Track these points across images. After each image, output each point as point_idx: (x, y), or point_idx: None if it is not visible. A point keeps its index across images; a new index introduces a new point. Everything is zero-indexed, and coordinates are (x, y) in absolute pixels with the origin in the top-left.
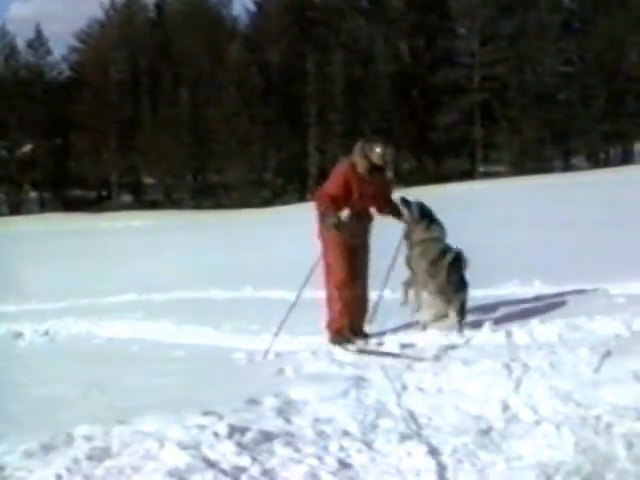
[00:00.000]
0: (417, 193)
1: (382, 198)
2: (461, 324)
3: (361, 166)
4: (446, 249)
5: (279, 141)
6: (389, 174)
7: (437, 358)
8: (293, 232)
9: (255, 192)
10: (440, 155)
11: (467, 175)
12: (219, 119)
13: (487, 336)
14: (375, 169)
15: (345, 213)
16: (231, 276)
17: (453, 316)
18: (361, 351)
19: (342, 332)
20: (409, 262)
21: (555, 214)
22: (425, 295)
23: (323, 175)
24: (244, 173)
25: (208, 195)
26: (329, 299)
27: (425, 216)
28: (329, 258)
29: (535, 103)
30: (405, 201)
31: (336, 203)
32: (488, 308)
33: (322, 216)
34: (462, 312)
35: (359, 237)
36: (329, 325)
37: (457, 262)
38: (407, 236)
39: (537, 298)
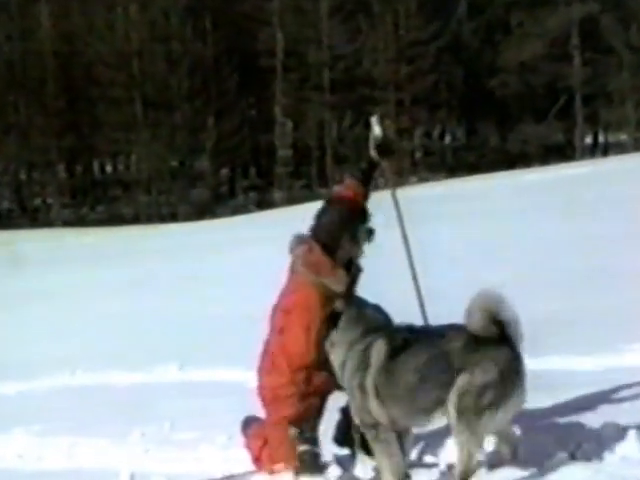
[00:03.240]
0: (465, 187)
1: None
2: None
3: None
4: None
5: (221, 101)
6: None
7: None
8: (248, 265)
9: (181, 193)
10: (508, 117)
11: (560, 152)
12: (110, 62)
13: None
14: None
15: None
16: (142, 347)
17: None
18: None
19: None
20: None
21: None
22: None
23: (302, 160)
24: (160, 159)
25: (96, 200)
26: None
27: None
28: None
29: None
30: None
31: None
32: (602, 398)
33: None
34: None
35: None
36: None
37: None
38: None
39: None
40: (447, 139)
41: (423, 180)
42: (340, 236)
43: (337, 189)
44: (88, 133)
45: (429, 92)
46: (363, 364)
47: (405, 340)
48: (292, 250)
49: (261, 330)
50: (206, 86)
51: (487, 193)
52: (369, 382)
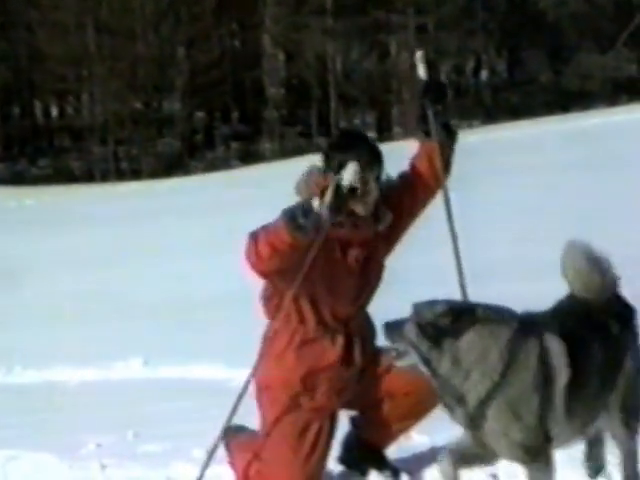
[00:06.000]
0: (507, 135)
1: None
2: None
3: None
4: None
5: (195, 27)
6: (385, 216)
7: None
8: (231, 234)
9: (145, 143)
10: (564, 45)
11: (631, 89)
12: None
13: None
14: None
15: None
16: (97, 336)
17: None
18: None
19: None
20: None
21: None
22: None
23: (297, 102)
24: (118, 100)
25: (38, 152)
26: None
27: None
28: (266, 416)
29: None
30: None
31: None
32: None
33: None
34: None
35: (347, 394)
36: None
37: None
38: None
39: None
40: (484, 74)
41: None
42: None
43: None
44: (27, 67)
45: (460, 14)
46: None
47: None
48: None
49: (248, 313)
50: (175, 8)
51: (536, 143)
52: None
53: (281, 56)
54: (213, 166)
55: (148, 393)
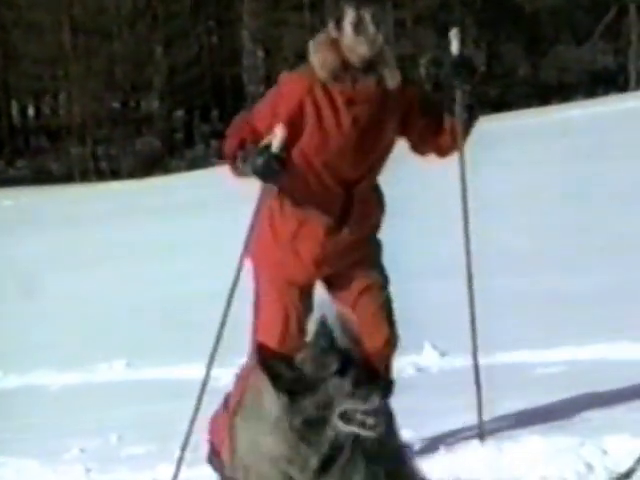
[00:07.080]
0: (485, 128)
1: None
2: None
3: (326, 67)
4: None
5: (172, 25)
6: (391, 73)
7: None
8: (211, 232)
9: (124, 142)
10: (541, 38)
11: (608, 80)
12: None
13: None
14: (360, 69)
15: (278, 135)
16: (79, 339)
17: None
18: None
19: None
20: None
21: None
22: None
23: None
24: (96, 100)
25: (16, 152)
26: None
27: None
28: (259, 298)
29: None
30: None
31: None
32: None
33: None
34: None
35: (333, 260)
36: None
37: None
38: None
39: None
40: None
41: None
42: None
43: None
44: (2, 67)
45: (437, 9)
46: None
47: None
48: None
49: (232, 313)
50: (151, 6)
51: (514, 135)
52: None
53: (260, 53)
54: (193, 164)
55: (132, 395)
